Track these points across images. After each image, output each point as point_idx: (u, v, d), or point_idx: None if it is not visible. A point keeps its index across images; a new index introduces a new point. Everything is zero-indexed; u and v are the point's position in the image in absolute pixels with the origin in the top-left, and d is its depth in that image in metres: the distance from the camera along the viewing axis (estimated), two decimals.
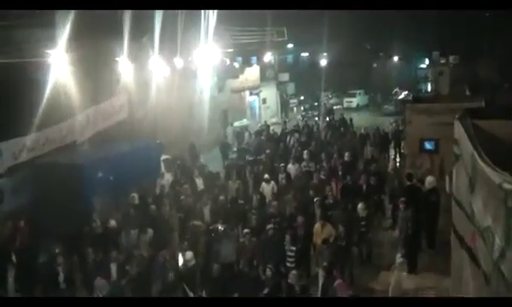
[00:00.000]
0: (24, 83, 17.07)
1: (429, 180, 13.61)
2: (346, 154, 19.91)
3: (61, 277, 12.16)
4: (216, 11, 26.01)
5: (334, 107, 46.83)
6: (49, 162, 17.22)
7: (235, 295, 11.14)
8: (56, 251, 12.78)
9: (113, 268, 12.33)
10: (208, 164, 21.85)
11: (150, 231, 13.94)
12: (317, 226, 13.34)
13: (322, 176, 17.56)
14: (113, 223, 14.45)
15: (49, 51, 17.68)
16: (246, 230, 13.32)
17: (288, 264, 12.40)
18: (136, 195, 16.22)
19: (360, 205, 14.11)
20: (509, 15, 29.64)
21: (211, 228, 14.09)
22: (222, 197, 16.04)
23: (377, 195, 16.36)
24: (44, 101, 17.40)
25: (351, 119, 32.81)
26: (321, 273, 12.23)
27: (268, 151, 21.90)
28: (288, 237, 12.71)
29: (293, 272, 11.10)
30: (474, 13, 34.70)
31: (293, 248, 12.59)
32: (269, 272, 11.42)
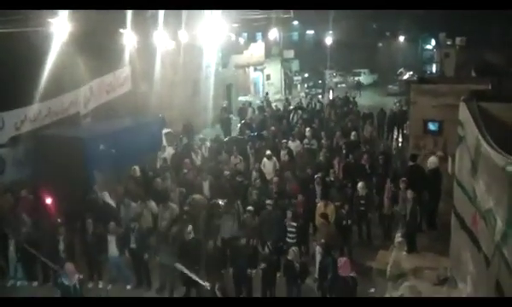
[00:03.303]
0: (26, 54, 16.93)
1: (432, 160, 13.54)
2: (349, 133, 19.86)
3: (62, 247, 12.30)
4: None
5: (339, 86, 46.73)
6: (51, 134, 17.19)
7: (233, 269, 11.19)
8: (58, 220, 12.88)
9: (112, 240, 12.40)
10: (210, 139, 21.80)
11: (151, 203, 13.98)
12: (320, 205, 13.31)
13: (325, 154, 17.50)
14: (107, 195, 14.58)
15: (51, 20, 17.49)
16: (249, 208, 13.32)
17: (289, 240, 12.40)
18: (137, 168, 16.25)
19: (360, 184, 14.09)
20: None
21: (211, 202, 14.10)
22: (222, 172, 16.01)
23: (379, 175, 16.31)
24: (47, 71, 17.32)
25: (354, 98, 32.67)
26: (318, 250, 12.27)
27: (271, 127, 21.82)
28: (289, 213, 12.71)
29: (293, 248, 11.12)
30: None
31: (294, 224, 12.60)
32: (267, 249, 11.48)
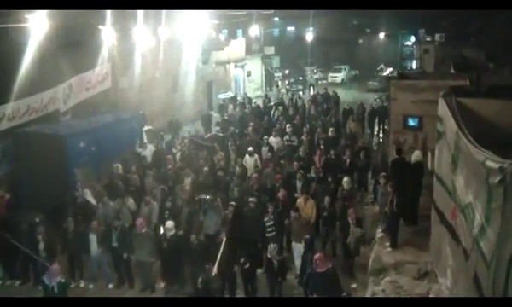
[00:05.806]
0: (4, 50, 16.73)
1: (416, 153, 13.59)
2: (330, 129, 19.95)
3: (42, 246, 12.14)
4: None
5: (319, 82, 46.89)
6: (30, 131, 16.99)
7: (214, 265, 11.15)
8: (37, 220, 12.73)
9: (93, 238, 12.30)
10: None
11: (131, 201, 13.91)
12: (300, 200, 13.37)
13: (305, 150, 17.57)
14: (88, 193, 14.48)
15: (30, 16, 17.25)
16: (231, 203, 13.33)
17: (268, 236, 12.43)
18: (119, 165, 16.16)
19: (345, 179, 14.16)
20: None
21: (196, 198, 14.06)
22: (204, 168, 16.00)
23: (360, 170, 16.42)
24: (26, 68, 17.12)
25: (336, 94, 32.63)
26: (295, 245, 12.33)
27: (251, 124, 21.82)
28: (270, 208, 12.76)
29: (271, 244, 11.18)
30: None
31: (272, 217, 12.66)
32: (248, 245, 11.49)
